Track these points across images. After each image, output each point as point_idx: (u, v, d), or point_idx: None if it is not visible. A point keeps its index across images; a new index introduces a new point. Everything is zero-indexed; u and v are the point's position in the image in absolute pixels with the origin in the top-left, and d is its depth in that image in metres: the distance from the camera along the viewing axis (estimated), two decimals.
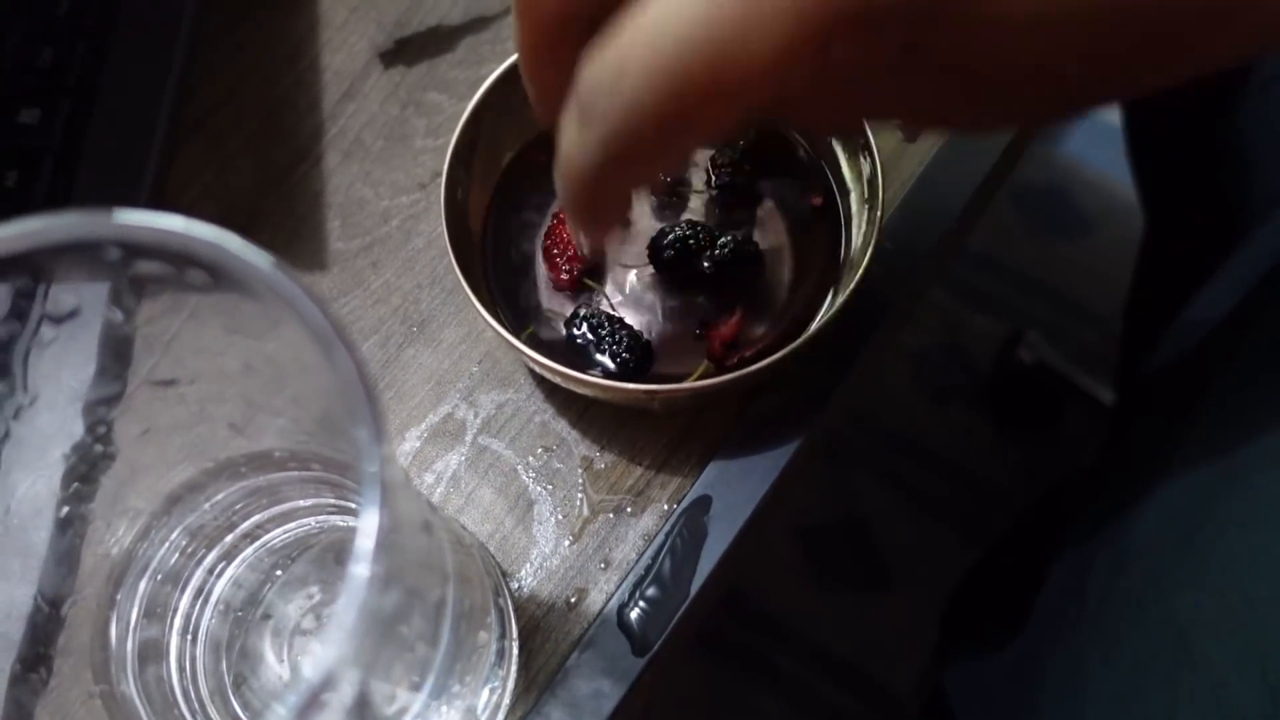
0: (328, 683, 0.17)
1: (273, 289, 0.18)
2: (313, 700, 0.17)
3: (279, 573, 0.32)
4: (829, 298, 0.33)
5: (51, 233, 0.19)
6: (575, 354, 0.34)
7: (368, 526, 0.17)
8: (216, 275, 0.20)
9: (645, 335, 0.34)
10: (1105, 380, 0.97)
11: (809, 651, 0.93)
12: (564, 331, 0.34)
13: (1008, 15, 0.21)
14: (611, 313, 0.34)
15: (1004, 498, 0.99)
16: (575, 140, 0.23)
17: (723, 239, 0.33)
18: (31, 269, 0.20)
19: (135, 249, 0.19)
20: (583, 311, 0.34)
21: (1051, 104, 0.25)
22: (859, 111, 0.27)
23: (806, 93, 0.24)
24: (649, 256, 0.34)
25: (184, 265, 0.20)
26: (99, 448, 0.26)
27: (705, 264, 0.33)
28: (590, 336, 0.33)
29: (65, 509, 0.26)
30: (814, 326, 0.31)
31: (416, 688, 0.24)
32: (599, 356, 0.33)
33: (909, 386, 1.03)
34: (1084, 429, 1.00)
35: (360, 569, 0.17)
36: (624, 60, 0.21)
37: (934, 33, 0.22)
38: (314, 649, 0.30)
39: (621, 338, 0.33)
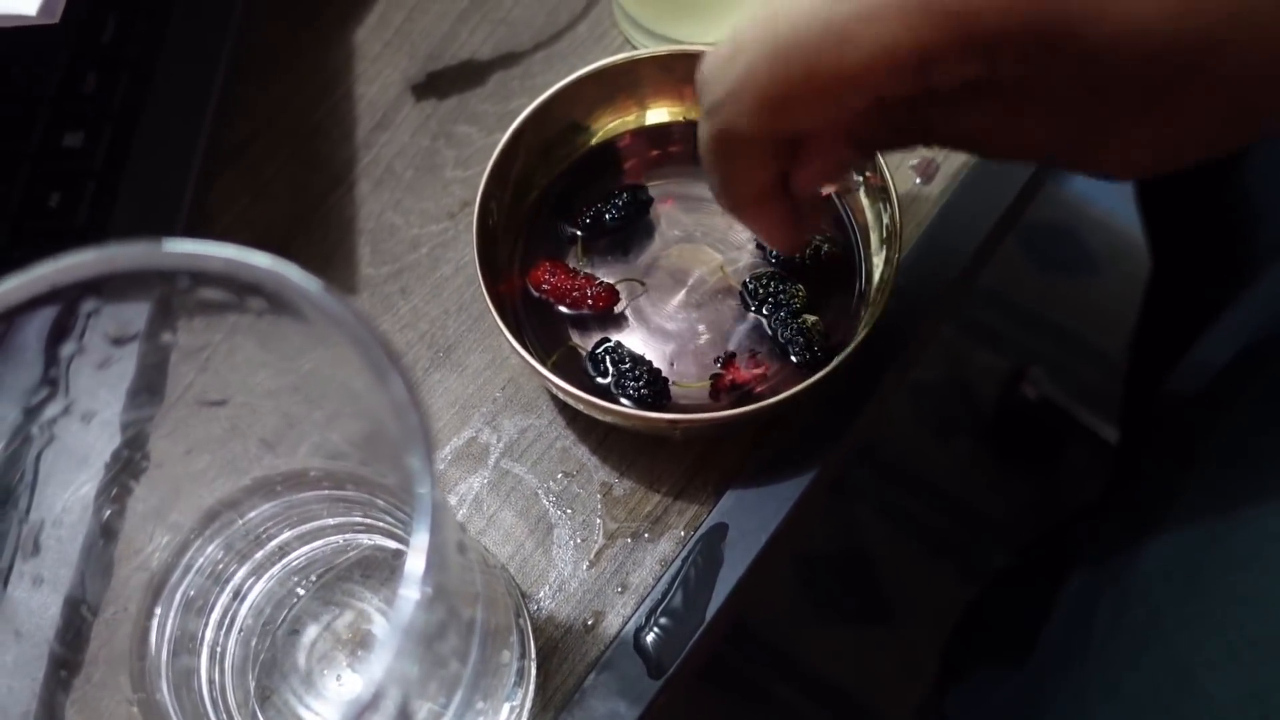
0: (379, 696, 0.18)
1: (332, 318, 0.19)
2: (363, 714, 0.18)
3: (303, 590, 0.33)
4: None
5: (125, 260, 0.20)
6: (597, 386, 0.35)
7: (419, 546, 0.18)
8: (275, 302, 0.21)
9: (670, 364, 0.35)
10: (1108, 418, 0.98)
11: (807, 681, 0.94)
12: (587, 365, 0.35)
13: (1117, 45, 0.21)
14: (633, 350, 0.35)
15: (1005, 533, 0.99)
16: (703, 123, 0.25)
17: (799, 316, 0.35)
18: (101, 293, 0.21)
19: (202, 277, 0.20)
20: (602, 349, 0.35)
21: (1151, 147, 0.24)
22: (948, 132, 0.26)
23: (900, 114, 0.24)
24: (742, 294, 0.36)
25: (246, 292, 0.21)
26: (140, 460, 0.27)
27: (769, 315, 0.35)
28: (612, 372, 0.35)
29: (108, 512, 0.27)
30: (833, 362, 0.32)
31: (446, 704, 0.25)
32: (617, 391, 0.34)
33: (912, 420, 1.04)
34: (1086, 466, 1.00)
35: (411, 587, 0.18)
36: (740, 39, 0.23)
37: (1040, 62, 0.22)
38: (364, 663, 0.31)
39: (641, 373, 0.34)
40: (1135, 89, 0.22)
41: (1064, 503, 1.00)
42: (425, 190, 0.40)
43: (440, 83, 0.42)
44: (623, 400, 0.34)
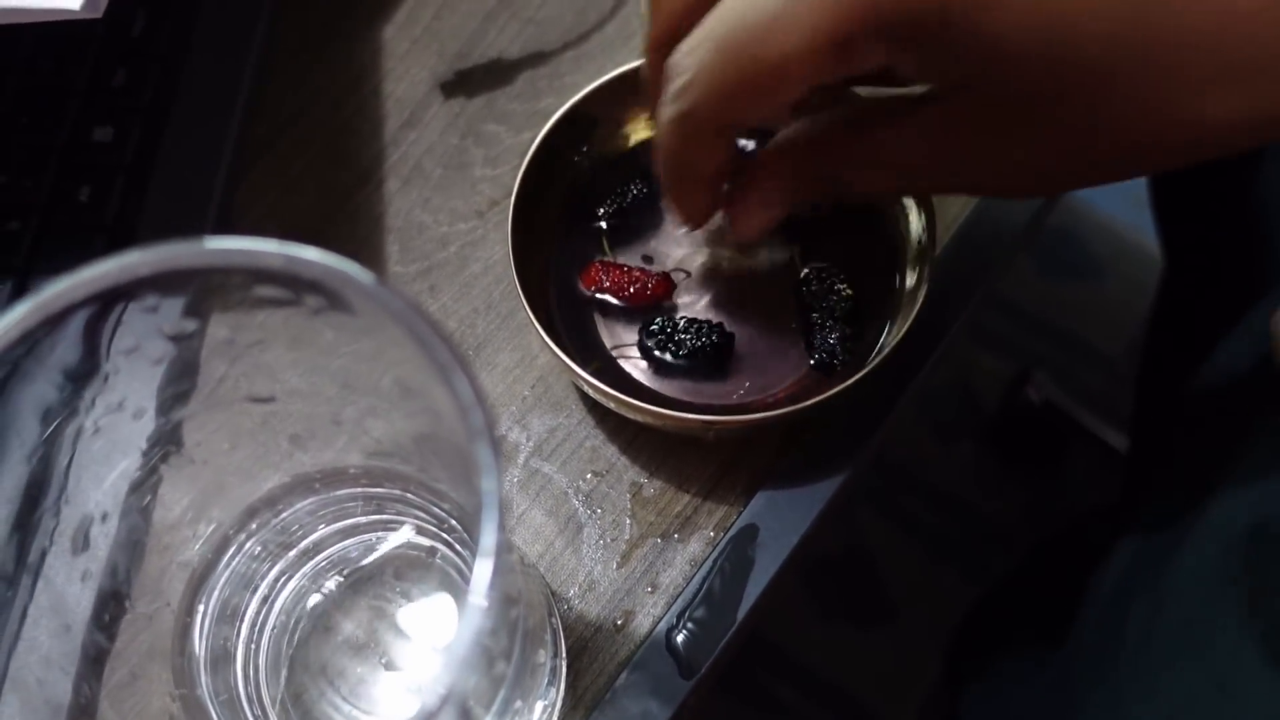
0: (446, 702, 0.18)
1: (395, 315, 0.20)
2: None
3: (334, 588, 0.33)
4: (881, 337, 0.34)
5: (187, 258, 0.20)
6: (629, 384, 0.35)
7: (488, 549, 0.18)
8: (333, 299, 0.21)
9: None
10: (1113, 422, 0.98)
11: (808, 681, 0.94)
12: (637, 341, 0.36)
13: (1008, 36, 0.24)
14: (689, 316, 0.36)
15: (1007, 536, 1.00)
16: (666, 106, 0.29)
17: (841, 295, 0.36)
18: (159, 290, 0.21)
19: (261, 274, 0.20)
20: (657, 323, 0.35)
21: (1055, 165, 0.27)
22: (894, 157, 0.29)
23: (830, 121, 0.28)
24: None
25: (304, 290, 0.21)
26: (184, 456, 0.27)
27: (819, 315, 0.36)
28: (664, 339, 0.35)
29: (151, 506, 0.27)
30: (870, 365, 0.32)
31: (490, 703, 0.25)
32: (667, 356, 0.35)
33: (915, 423, 1.04)
34: (1090, 470, 1.01)
35: (480, 593, 0.18)
36: (697, 38, 0.27)
37: (943, 47, 0.24)
38: (399, 661, 0.31)
39: (702, 326, 0.35)
40: (1033, 92, 0.25)
41: (1067, 506, 1.00)
42: (454, 189, 0.40)
43: (469, 81, 0.42)
44: (670, 356, 0.35)
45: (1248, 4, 0.22)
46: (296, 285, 0.21)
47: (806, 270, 0.36)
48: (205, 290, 0.21)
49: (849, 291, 0.35)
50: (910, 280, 0.35)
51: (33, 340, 0.21)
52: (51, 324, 0.21)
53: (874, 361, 0.33)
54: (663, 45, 0.29)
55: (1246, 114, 0.24)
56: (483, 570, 0.18)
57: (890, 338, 0.33)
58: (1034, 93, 0.25)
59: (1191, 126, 0.24)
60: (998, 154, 0.27)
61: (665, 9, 0.29)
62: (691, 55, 0.27)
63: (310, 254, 0.20)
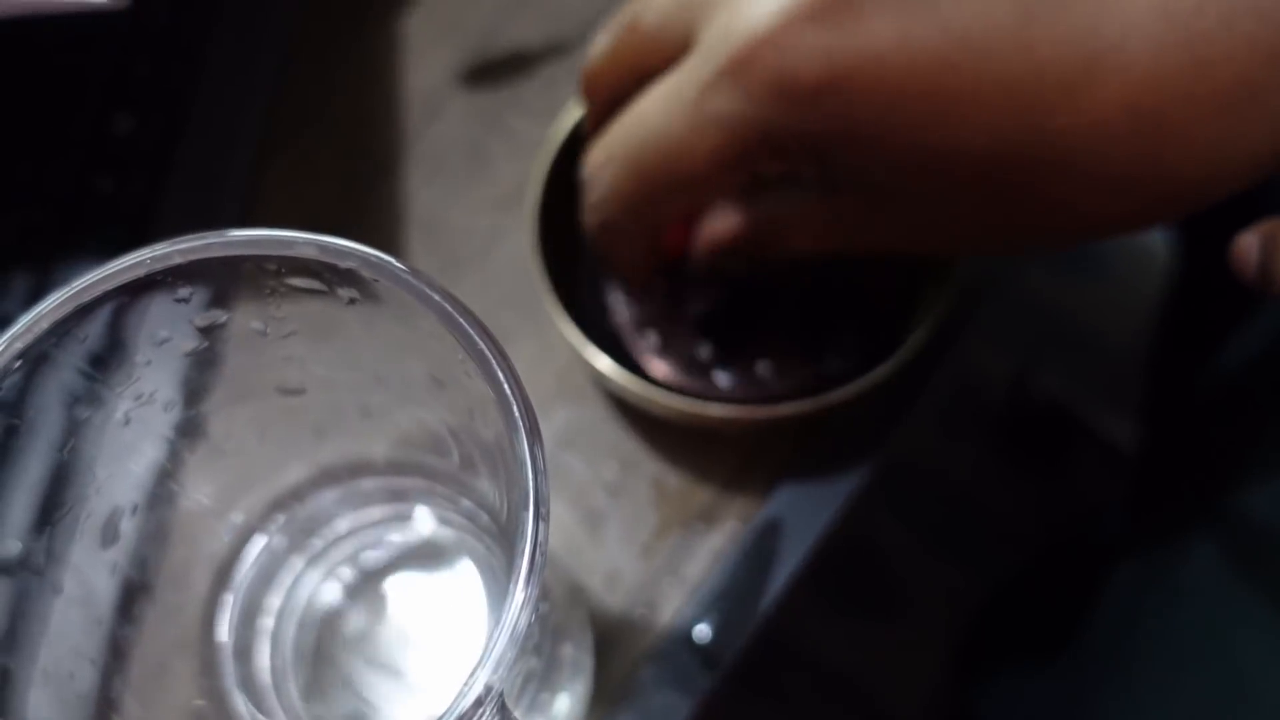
0: (489, 695, 0.17)
1: (434, 309, 0.19)
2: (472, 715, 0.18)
3: (359, 580, 0.33)
4: (904, 330, 0.34)
5: (219, 247, 0.20)
6: (649, 376, 0.35)
7: (529, 546, 0.18)
8: (366, 291, 0.21)
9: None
10: (1118, 417, 0.98)
11: (813, 673, 0.94)
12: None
13: (895, 157, 0.25)
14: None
15: (1012, 531, 1.00)
16: (590, 213, 0.31)
17: None
18: (191, 280, 0.21)
19: (295, 264, 0.20)
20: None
21: (960, 244, 0.29)
22: (807, 236, 0.30)
23: (745, 206, 0.30)
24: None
25: (337, 281, 0.21)
26: (214, 447, 0.27)
27: None
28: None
29: (179, 498, 0.27)
30: (895, 358, 0.32)
31: (519, 696, 0.25)
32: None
33: (920, 419, 1.04)
34: (1095, 465, 1.00)
35: (521, 589, 0.18)
36: (610, 149, 0.29)
37: (837, 157, 0.26)
38: (464, 658, 0.31)
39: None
40: (929, 192, 0.27)
41: (1072, 502, 1.00)
42: (476, 181, 0.40)
43: (490, 74, 0.41)
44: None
45: (1118, 127, 0.24)
46: (331, 275, 0.21)
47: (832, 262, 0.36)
48: (236, 281, 0.21)
49: (875, 284, 0.35)
50: (935, 272, 0.34)
51: (64, 330, 0.21)
52: (84, 313, 0.21)
53: (900, 355, 0.32)
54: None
55: (1132, 215, 0.26)
56: (524, 565, 0.18)
57: (915, 330, 0.33)
58: (929, 192, 0.26)
59: (1085, 218, 0.26)
60: (906, 231, 0.29)
61: (593, 107, 0.31)
62: (604, 170, 0.29)
63: (345, 244, 0.20)
